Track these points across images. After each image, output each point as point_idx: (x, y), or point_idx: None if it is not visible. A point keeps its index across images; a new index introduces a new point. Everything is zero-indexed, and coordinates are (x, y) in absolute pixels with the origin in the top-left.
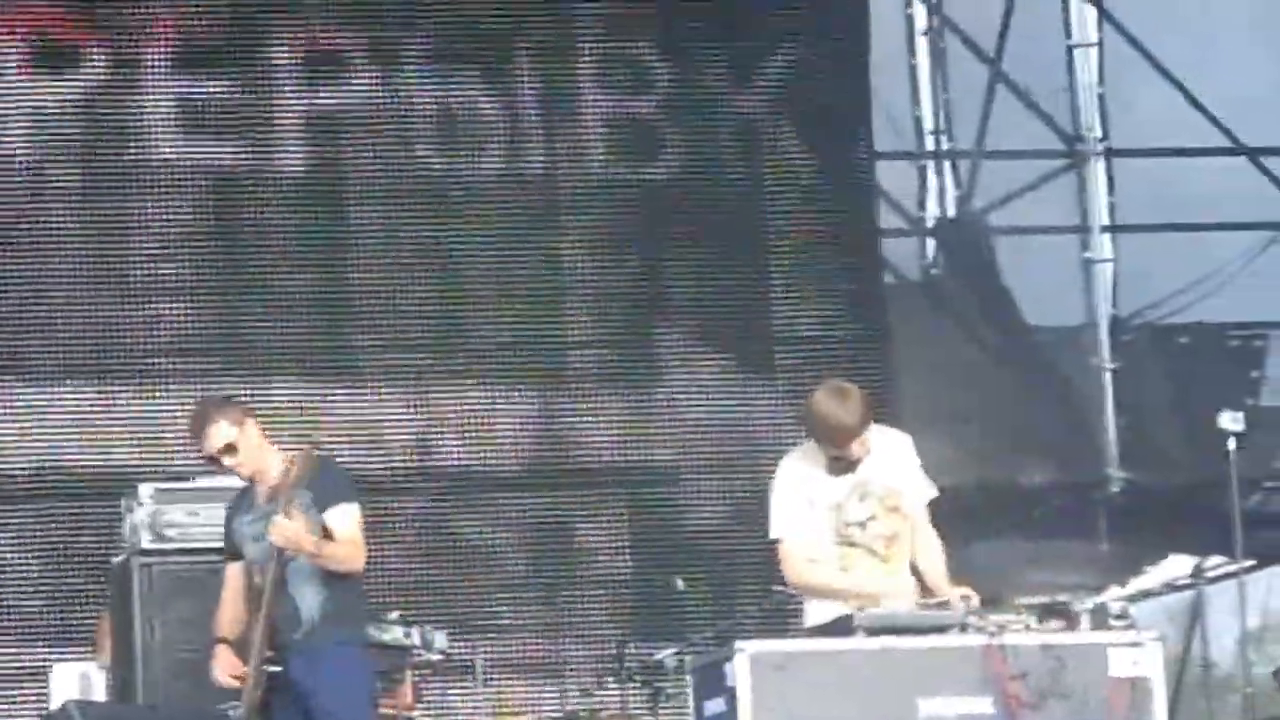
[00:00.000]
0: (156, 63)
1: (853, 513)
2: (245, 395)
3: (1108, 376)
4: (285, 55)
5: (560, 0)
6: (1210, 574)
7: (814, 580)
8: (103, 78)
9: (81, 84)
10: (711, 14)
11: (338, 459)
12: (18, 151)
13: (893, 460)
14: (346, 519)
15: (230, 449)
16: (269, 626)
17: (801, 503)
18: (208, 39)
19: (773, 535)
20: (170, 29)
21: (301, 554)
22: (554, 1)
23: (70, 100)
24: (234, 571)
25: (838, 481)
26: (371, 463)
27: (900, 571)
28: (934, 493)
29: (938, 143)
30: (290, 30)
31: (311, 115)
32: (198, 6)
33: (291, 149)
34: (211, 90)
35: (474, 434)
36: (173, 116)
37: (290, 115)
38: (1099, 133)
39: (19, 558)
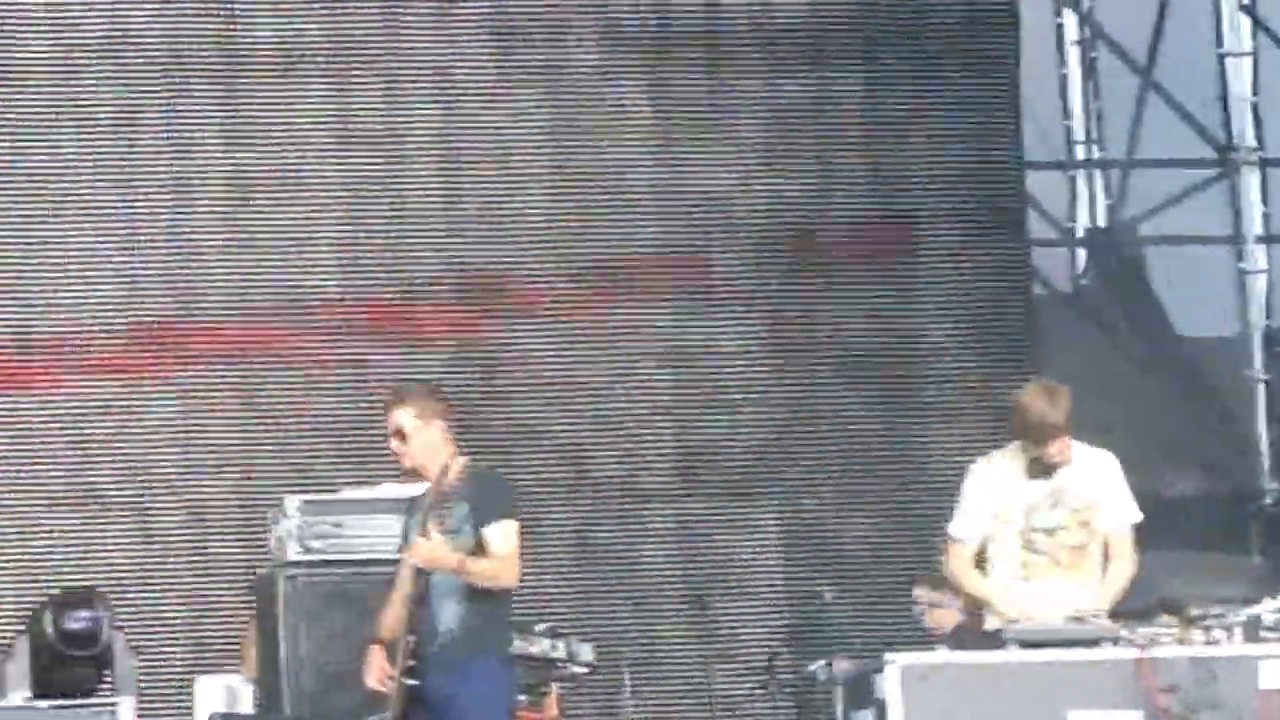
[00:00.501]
0: None
1: (1042, 519)
2: None
3: (1261, 388)
4: None
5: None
6: None
7: (966, 585)
8: None
9: None
10: (858, 27)
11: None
12: None
13: (1094, 475)
14: (502, 535)
15: (400, 435)
16: (409, 638)
17: (984, 506)
18: None
19: (949, 530)
20: None
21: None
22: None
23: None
24: (406, 574)
25: (1033, 485)
26: (523, 473)
27: (1088, 585)
28: (1138, 517)
29: (1088, 152)
30: None
31: None
32: None
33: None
34: None
35: (625, 445)
36: None
37: None
38: (1252, 142)
39: (167, 568)
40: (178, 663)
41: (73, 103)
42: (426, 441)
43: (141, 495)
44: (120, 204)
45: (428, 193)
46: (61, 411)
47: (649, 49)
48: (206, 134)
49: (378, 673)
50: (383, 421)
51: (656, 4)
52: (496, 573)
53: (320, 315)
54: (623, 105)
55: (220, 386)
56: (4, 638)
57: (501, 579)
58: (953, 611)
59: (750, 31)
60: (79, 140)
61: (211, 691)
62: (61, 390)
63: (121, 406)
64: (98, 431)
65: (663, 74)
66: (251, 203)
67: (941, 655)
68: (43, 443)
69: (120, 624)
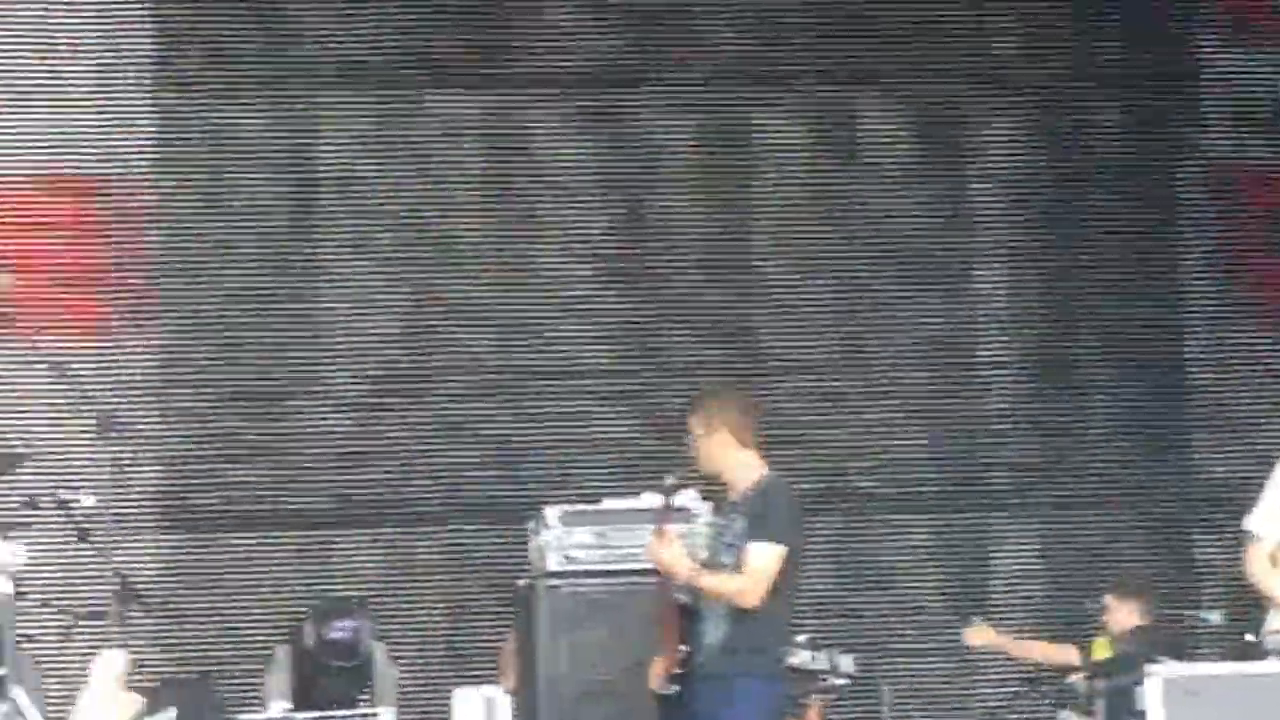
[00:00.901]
0: None
1: None
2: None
3: None
4: None
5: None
6: None
7: (1262, 584)
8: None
9: None
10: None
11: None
12: None
13: None
14: (757, 554)
15: (695, 441)
16: (672, 650)
17: None
18: None
19: (1246, 525)
20: None
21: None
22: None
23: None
24: None
25: None
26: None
27: None
28: None
29: None
30: None
31: None
32: None
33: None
34: None
35: (885, 455)
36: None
37: None
38: None
39: (427, 579)
40: (437, 674)
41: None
42: (707, 451)
43: (401, 504)
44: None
45: None
46: (323, 428)
47: None
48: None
49: (654, 677)
50: (642, 432)
51: None
52: (737, 591)
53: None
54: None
55: (480, 396)
56: (265, 648)
57: (741, 599)
58: (1131, 613)
59: None
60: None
61: (470, 703)
62: (322, 410)
63: (378, 419)
64: (355, 446)
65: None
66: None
67: (1204, 667)
68: (307, 456)
69: (381, 634)
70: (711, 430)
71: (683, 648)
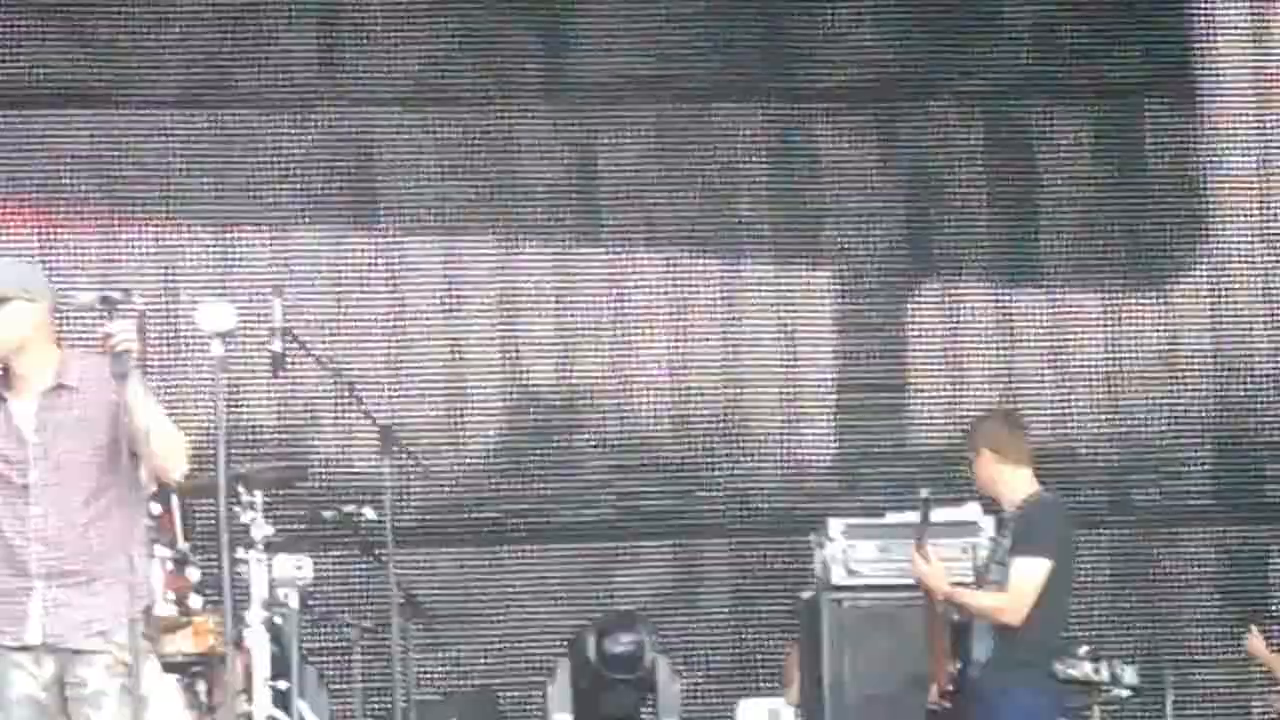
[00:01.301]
0: None
1: None
2: None
3: None
4: None
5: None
6: None
7: None
8: None
9: None
10: None
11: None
12: None
13: None
14: (1018, 570)
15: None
16: (943, 667)
17: None
18: None
19: None
20: None
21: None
22: None
23: None
24: None
25: None
26: (1068, 496)
27: None
28: None
29: None
30: None
31: None
32: None
33: None
34: None
35: (1164, 468)
36: None
37: None
38: None
39: (710, 591)
40: (720, 686)
41: None
42: (980, 470)
43: (685, 516)
44: None
45: None
46: (607, 441)
47: None
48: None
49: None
50: (917, 445)
51: None
52: (996, 608)
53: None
54: None
55: (764, 407)
56: (547, 661)
57: (1000, 615)
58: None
59: None
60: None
61: (754, 715)
62: (606, 422)
63: (662, 430)
64: (638, 458)
65: None
66: None
67: None
68: (591, 469)
69: (663, 647)
70: (981, 450)
71: (953, 665)
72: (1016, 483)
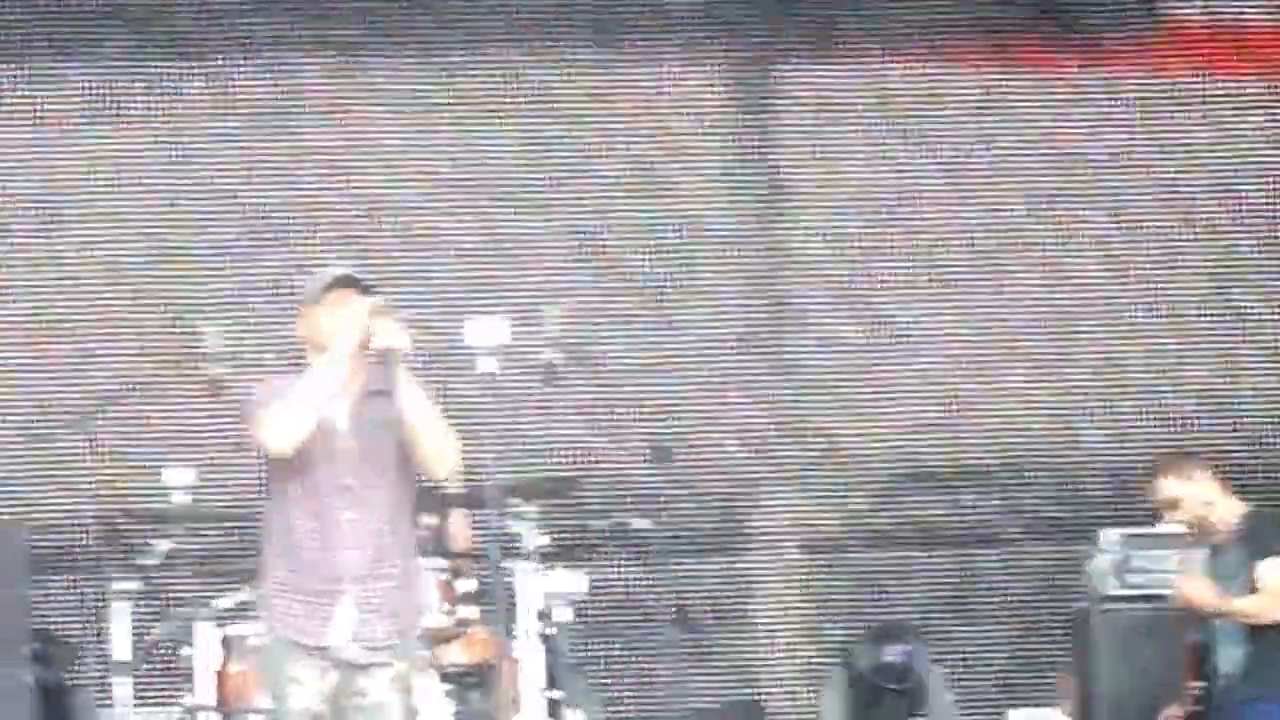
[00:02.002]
0: None
1: None
2: None
3: None
4: None
5: None
6: None
7: None
8: None
9: None
10: None
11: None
12: None
13: None
14: (1269, 570)
15: (1172, 504)
16: (1189, 684)
17: None
18: None
19: None
20: None
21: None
22: None
23: None
24: None
25: None
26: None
27: None
28: None
29: None
30: None
31: None
32: None
33: None
34: None
35: None
36: None
37: None
38: None
39: (983, 601)
40: (993, 697)
41: None
42: (1188, 494)
43: (958, 524)
44: None
45: None
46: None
47: None
48: None
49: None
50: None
51: None
52: (1261, 609)
53: None
54: None
55: (1038, 408)
56: (820, 671)
57: (1263, 614)
58: None
59: None
60: None
61: None
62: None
63: (931, 436)
64: (907, 464)
65: None
66: None
67: None
68: (864, 475)
69: (936, 658)
70: (1192, 483)
71: (1196, 684)
72: (1231, 503)
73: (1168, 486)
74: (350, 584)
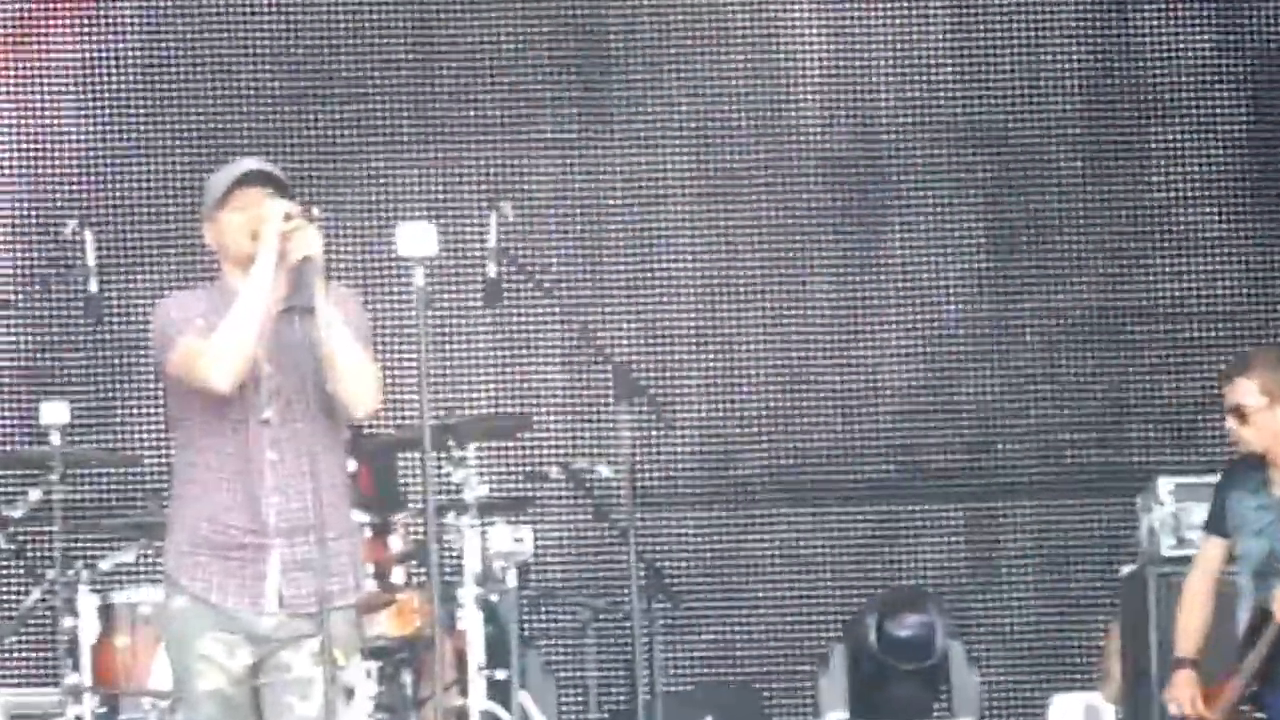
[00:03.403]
0: None
1: None
2: None
3: None
4: None
5: None
6: None
7: None
8: None
9: None
10: None
11: None
12: None
13: None
14: None
15: (1239, 413)
16: (1249, 658)
17: None
18: None
19: None
20: None
21: None
22: None
23: None
24: (1213, 553)
25: None
26: None
27: None
28: None
29: None
30: None
31: None
32: None
33: None
34: None
35: None
36: None
37: None
38: None
39: (1014, 563)
40: (1028, 677)
41: None
42: (1267, 424)
43: (982, 474)
44: None
45: None
46: (886, 384)
47: None
48: None
49: (1185, 699)
50: None
51: None
52: None
53: None
54: None
55: (1077, 343)
56: (819, 646)
57: None
58: None
59: None
60: None
61: (1069, 712)
62: (885, 363)
63: (952, 371)
64: (925, 403)
65: None
66: None
67: None
68: (867, 417)
69: (958, 630)
70: (1273, 403)
71: (1259, 658)
72: None
73: (1238, 391)
74: (275, 537)
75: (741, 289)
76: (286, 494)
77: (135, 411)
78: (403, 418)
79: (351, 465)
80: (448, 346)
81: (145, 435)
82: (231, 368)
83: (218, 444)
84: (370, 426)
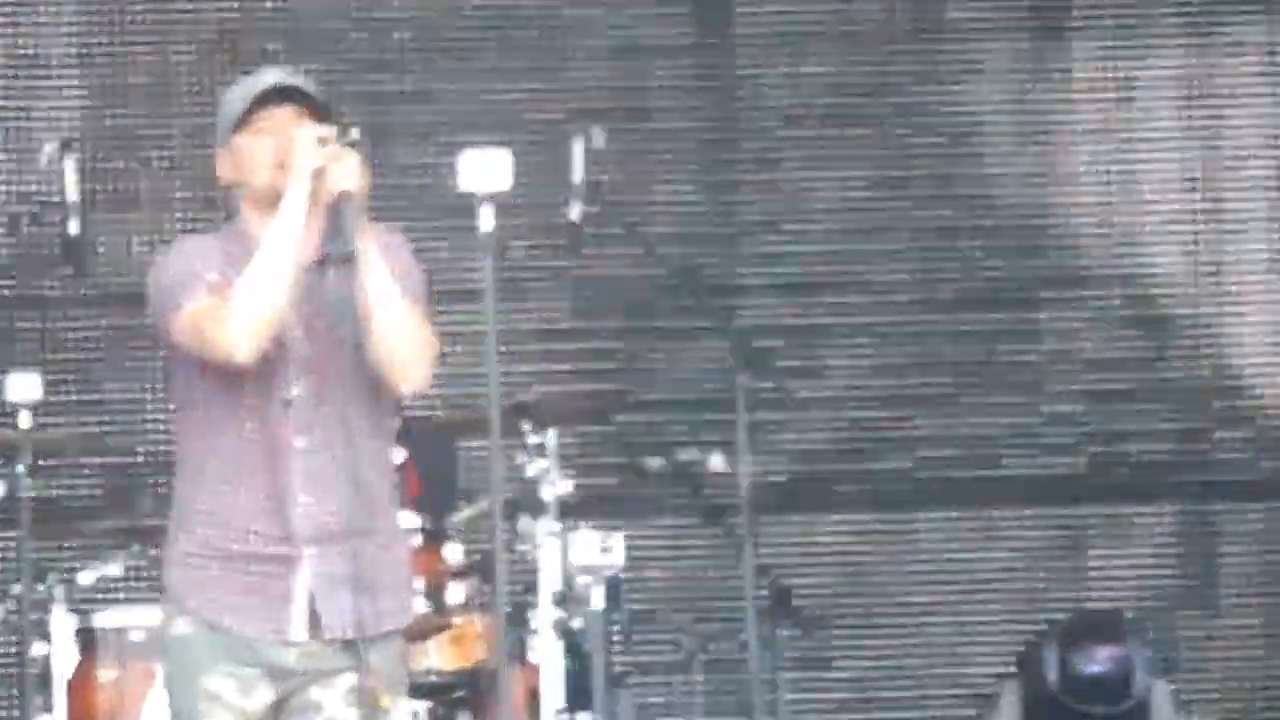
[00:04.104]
0: None
1: None
2: None
3: None
4: None
5: None
6: None
7: None
8: None
9: None
10: None
11: None
12: None
13: None
14: None
15: None
16: None
17: None
18: None
19: None
20: None
21: None
22: None
23: None
24: None
25: None
26: None
27: None
28: None
29: None
30: None
31: None
32: None
33: None
34: None
35: None
36: None
37: None
38: None
39: (1241, 583)
40: None
41: None
42: None
43: (1194, 469)
44: None
45: None
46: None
47: None
48: None
49: None
50: None
51: None
52: None
53: None
54: None
55: None
56: (984, 684)
57: None
58: None
59: None
60: None
61: None
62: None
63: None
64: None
65: None
66: None
67: None
68: (1043, 395)
69: (1164, 666)
70: None
71: None
72: None
73: None
74: (305, 546)
75: (895, 236)
76: (319, 492)
77: (126, 387)
78: (463, 396)
79: (398, 456)
80: (520, 306)
81: (139, 417)
82: (255, 333)
83: (234, 430)
84: (421, 408)
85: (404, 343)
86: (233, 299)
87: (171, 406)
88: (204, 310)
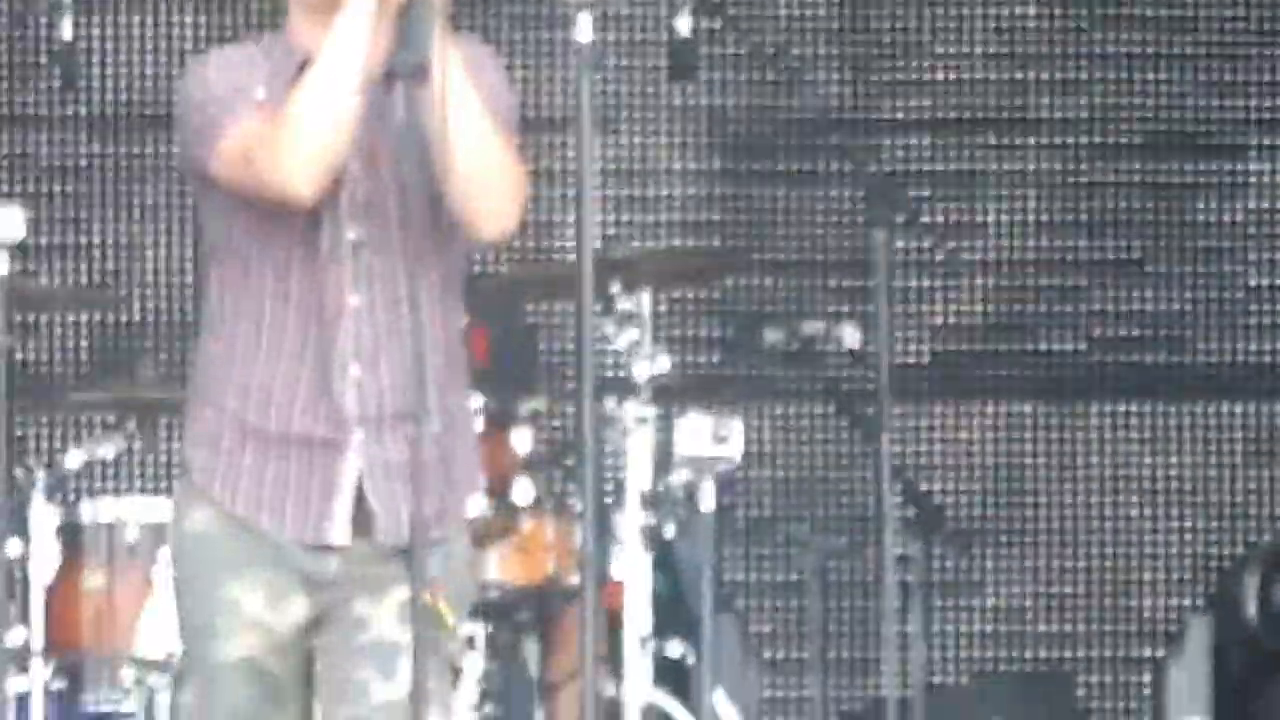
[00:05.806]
0: None
1: None
2: None
3: None
4: None
5: None
6: None
7: None
8: None
9: None
10: None
11: None
12: None
13: None
14: None
15: None
16: None
17: None
18: None
19: None
20: None
21: None
22: None
23: None
24: None
25: None
26: None
27: None
28: None
29: None
30: None
31: None
32: None
33: None
34: None
35: None
36: None
37: None
38: None
39: None
40: None
41: None
42: None
43: None
44: None
45: None
46: None
47: None
48: None
49: None
50: None
51: None
52: None
53: None
54: None
55: None
56: (1167, 620)
57: None
58: None
59: None
60: None
61: None
62: None
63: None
64: None
65: None
66: None
67: None
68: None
69: None
70: None
71: None
72: None
73: None
74: (356, 427)
75: (1070, 64)
76: (375, 362)
77: (132, 225)
78: (543, 249)
79: (463, 320)
80: (613, 141)
81: (139, 265)
82: (318, 165)
83: (275, 283)
84: (492, 263)
85: (490, 180)
86: (288, 122)
87: (190, 254)
88: (251, 134)
